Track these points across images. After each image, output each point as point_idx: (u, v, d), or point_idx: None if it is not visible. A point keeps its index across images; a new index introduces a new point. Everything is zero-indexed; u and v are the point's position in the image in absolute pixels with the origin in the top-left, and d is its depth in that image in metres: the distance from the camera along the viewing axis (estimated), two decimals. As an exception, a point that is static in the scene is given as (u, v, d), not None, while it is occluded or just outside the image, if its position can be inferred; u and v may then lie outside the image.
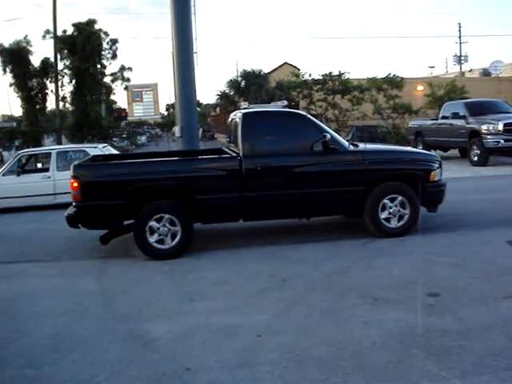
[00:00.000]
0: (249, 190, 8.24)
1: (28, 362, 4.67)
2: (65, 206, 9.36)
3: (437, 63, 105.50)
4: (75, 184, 7.97)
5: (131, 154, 10.53)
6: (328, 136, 8.33)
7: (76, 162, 8.73)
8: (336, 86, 31.23)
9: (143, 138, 35.03)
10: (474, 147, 17.73)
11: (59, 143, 27.98)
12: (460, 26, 54.45)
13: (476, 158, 17.59)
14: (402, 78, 32.19)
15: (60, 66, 30.76)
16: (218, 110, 53.43)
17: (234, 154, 8.59)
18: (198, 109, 39.89)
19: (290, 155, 8.44)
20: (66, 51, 30.54)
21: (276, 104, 23.83)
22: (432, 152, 9.52)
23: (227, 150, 9.50)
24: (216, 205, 8.19)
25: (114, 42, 31.87)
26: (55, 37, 29.80)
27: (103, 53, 31.47)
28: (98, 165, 9.07)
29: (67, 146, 16.67)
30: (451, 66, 59.43)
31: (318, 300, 5.85)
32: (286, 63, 45.31)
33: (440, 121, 20.60)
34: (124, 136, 31.98)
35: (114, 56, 31.98)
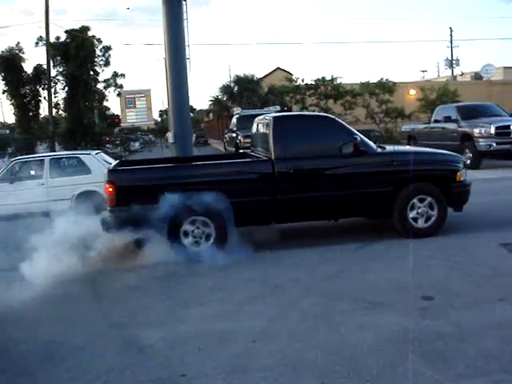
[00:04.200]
0: (281, 193, 8.34)
1: (22, 370, 4.66)
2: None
3: (429, 67, 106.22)
4: (110, 189, 8.03)
5: (155, 159, 10.51)
6: (358, 138, 8.50)
7: (110, 167, 8.73)
8: (328, 90, 31.40)
9: (136, 145, 35.05)
10: (467, 150, 17.78)
11: (52, 150, 27.94)
12: (451, 31, 54.80)
13: (468, 162, 17.65)
14: (394, 83, 32.35)
15: (53, 72, 30.77)
16: (211, 115, 53.54)
17: (265, 158, 8.68)
18: (192, 114, 39.91)
19: (320, 158, 8.57)
20: (58, 58, 30.55)
21: (269, 109, 23.91)
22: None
23: (253, 154, 9.65)
24: (249, 208, 8.26)
25: (106, 48, 31.93)
26: (48, 43, 29.79)
27: (96, 59, 31.51)
28: (132, 169, 9.01)
29: (60, 153, 16.64)
30: (443, 70, 59.72)
31: (312, 305, 5.86)
32: (278, 68, 45.43)
33: (432, 124, 20.67)
34: (117, 142, 31.98)
35: (107, 63, 32.04)
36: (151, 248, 7.93)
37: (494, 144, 17.23)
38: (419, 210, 8.52)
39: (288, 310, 5.77)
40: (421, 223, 8.55)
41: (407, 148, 11.44)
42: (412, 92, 35.32)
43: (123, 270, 7.66)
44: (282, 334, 5.10)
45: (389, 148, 9.35)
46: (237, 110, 22.69)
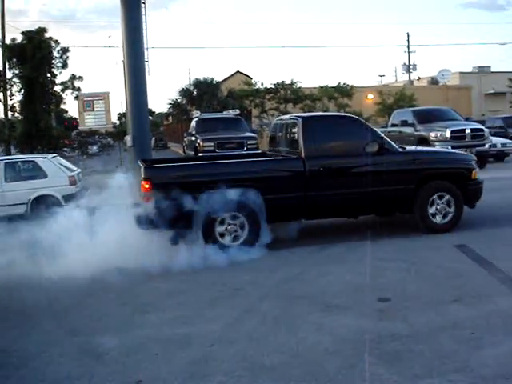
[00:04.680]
0: (312, 190, 8.58)
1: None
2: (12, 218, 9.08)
3: (387, 72, 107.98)
4: (147, 185, 8.05)
5: (175, 158, 10.69)
6: (382, 138, 8.93)
7: (146, 165, 8.71)
8: (288, 94, 31.56)
9: (94, 148, 34.55)
10: (423, 154, 18.09)
11: (8, 154, 27.34)
12: (408, 36, 55.39)
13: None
14: (353, 87, 32.75)
15: (9, 75, 30.10)
16: (170, 118, 53.21)
17: (295, 156, 8.89)
18: (150, 118, 39.56)
19: (347, 156, 8.88)
20: (14, 60, 29.92)
21: (228, 112, 23.86)
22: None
23: (275, 154, 10.01)
24: (281, 204, 8.48)
25: (64, 50, 31.34)
26: (3, 45, 29.14)
27: (53, 62, 30.92)
28: (169, 166, 9.34)
29: (16, 157, 16.30)
30: (400, 75, 60.56)
31: (271, 308, 5.86)
32: (238, 72, 45.43)
33: (389, 128, 20.98)
34: (75, 146, 31.49)
35: (65, 65, 31.44)
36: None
37: (450, 147, 17.55)
38: (438, 207, 8.91)
39: (246, 313, 5.76)
40: (439, 219, 8.93)
41: (425, 148, 12.10)
42: (370, 96, 35.82)
43: (81, 277, 7.47)
44: (240, 338, 5.09)
45: (409, 148, 9.94)
46: (196, 114, 22.54)
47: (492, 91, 51.90)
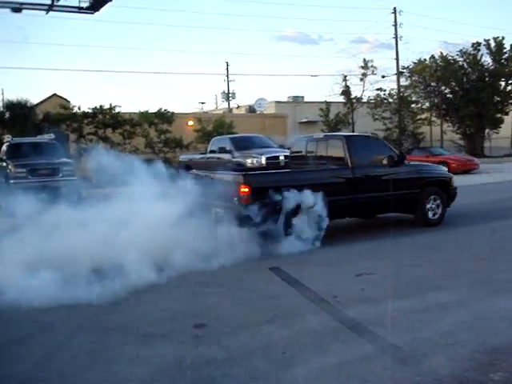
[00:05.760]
0: (357, 193, 10.77)
1: None
2: None
3: (207, 99, 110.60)
4: (246, 189, 9.44)
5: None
6: (396, 152, 11.64)
7: (244, 172, 10.71)
8: (107, 119, 30.92)
9: None
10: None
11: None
12: (228, 65, 57.33)
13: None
14: (173, 113, 32.97)
15: None
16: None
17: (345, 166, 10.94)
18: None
19: (375, 167, 11.21)
20: None
21: (43, 137, 22.69)
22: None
23: (302, 166, 11.94)
24: (338, 204, 10.41)
25: None
26: None
27: None
28: (263, 174, 11.72)
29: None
30: (220, 103, 62.24)
31: (84, 342, 5.62)
32: (55, 95, 43.65)
33: (208, 155, 21.44)
34: None
35: None
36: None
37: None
38: (432, 206, 11.78)
39: (58, 349, 5.47)
40: (431, 216, 11.77)
41: (423, 163, 14.51)
42: (190, 123, 36.28)
43: None
44: (51, 377, 4.80)
45: (411, 162, 12.58)
46: (7, 138, 21.20)
47: (305, 120, 55.14)
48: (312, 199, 9.74)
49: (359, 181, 10.85)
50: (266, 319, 6.01)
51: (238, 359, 4.98)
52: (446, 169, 13.53)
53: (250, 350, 5.19)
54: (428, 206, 11.70)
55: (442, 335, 5.37)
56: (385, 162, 11.08)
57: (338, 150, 11.31)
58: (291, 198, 9.59)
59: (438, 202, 11.83)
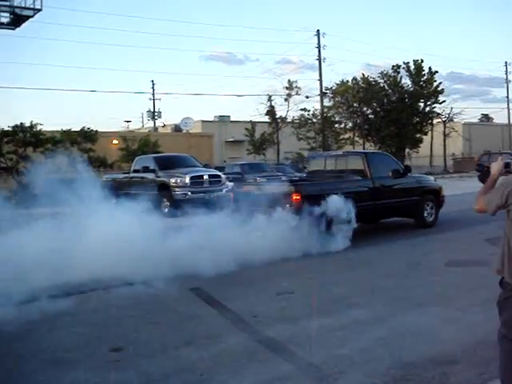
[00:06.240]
0: (376, 200, 12.91)
1: None
2: None
3: (134, 118, 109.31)
4: (297, 197, 11.41)
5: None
6: (402, 166, 14.21)
7: (294, 182, 12.89)
8: (28, 137, 30.03)
9: None
10: (164, 199, 18.53)
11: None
12: (153, 84, 56.87)
13: (166, 210, 18.35)
14: (97, 132, 32.44)
15: None
16: None
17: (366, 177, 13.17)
18: None
19: (387, 177, 13.33)
20: None
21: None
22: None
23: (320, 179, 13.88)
24: (363, 210, 12.13)
25: None
26: None
27: None
28: (309, 183, 13.35)
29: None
30: (146, 121, 61.61)
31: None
32: (-28, 112, 42.27)
33: (132, 174, 21.16)
34: None
35: None
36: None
37: (189, 193, 18.30)
38: (428, 210, 14.10)
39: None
40: (428, 219, 14.08)
41: (419, 174, 17.32)
42: (115, 142, 35.78)
43: None
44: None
45: (412, 174, 14.59)
46: None
47: (232, 139, 55.46)
48: (346, 205, 11.44)
49: (377, 190, 13.07)
50: (185, 341, 5.94)
51: (155, 383, 4.89)
52: (433, 179, 16.32)
53: (166, 374, 5.11)
54: (426, 210, 14.00)
55: (358, 352, 5.46)
56: (394, 174, 13.41)
57: (358, 165, 13.52)
58: (332, 203, 11.28)
59: (433, 206, 14.16)
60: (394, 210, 13.51)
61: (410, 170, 14.16)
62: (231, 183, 19.80)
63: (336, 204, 11.26)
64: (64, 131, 31.61)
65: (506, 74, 64.84)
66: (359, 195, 12.35)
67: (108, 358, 5.54)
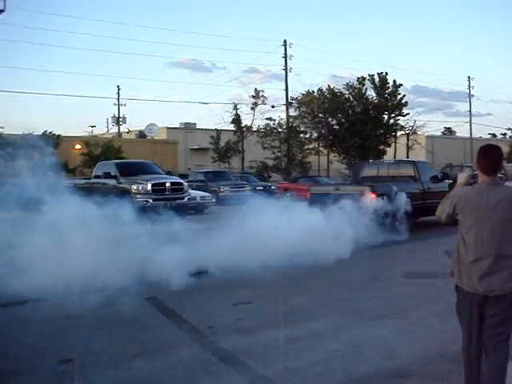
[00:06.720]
0: (425, 200, 15.54)
1: None
2: None
3: (99, 123, 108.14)
4: (374, 195, 13.88)
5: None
6: (437, 172, 18.09)
7: (374, 185, 14.96)
8: (-14, 140, 29.42)
9: None
10: (125, 206, 18.25)
11: None
12: (119, 89, 56.24)
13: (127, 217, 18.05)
14: (59, 136, 31.99)
15: None
16: None
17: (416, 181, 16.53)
18: None
19: (427, 182, 16.39)
20: None
21: None
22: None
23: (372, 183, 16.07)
24: (416, 208, 14.69)
25: None
26: None
27: None
28: (382, 184, 15.22)
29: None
30: (111, 127, 60.87)
31: None
32: None
33: (93, 180, 20.84)
34: None
35: None
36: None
37: (151, 200, 18.08)
38: None
39: None
40: None
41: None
42: (78, 146, 35.32)
43: None
44: None
45: (446, 180, 17.17)
46: None
47: (197, 147, 55.22)
48: (408, 203, 13.99)
49: (425, 191, 16.00)
50: (137, 353, 5.80)
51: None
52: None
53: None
54: None
55: (312, 364, 5.40)
56: (433, 179, 16.44)
57: (409, 171, 16.72)
58: (399, 201, 13.82)
59: None
60: (433, 209, 15.93)
61: (447, 176, 17.04)
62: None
63: (403, 201, 13.94)
64: (25, 135, 31.04)
65: (469, 88, 66.22)
66: (414, 195, 15.13)
67: (56, 370, 5.37)
